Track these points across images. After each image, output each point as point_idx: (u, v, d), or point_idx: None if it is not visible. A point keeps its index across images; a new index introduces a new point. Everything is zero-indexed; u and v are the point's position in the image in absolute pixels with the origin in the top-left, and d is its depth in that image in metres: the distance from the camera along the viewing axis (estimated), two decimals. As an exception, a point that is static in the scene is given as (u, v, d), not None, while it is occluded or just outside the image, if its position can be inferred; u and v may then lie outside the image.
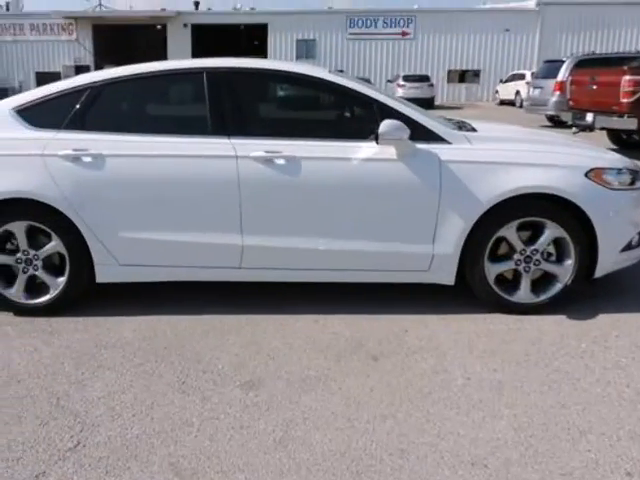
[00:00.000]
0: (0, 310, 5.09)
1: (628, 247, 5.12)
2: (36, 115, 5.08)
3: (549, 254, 5.08)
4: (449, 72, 43.12)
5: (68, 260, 4.98)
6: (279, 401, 3.87)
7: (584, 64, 19.44)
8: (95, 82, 5.22)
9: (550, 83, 21.13)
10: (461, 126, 5.60)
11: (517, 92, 34.77)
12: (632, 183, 5.00)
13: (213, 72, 5.17)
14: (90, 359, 4.35)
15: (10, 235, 5.00)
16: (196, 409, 3.80)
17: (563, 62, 21.06)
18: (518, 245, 5.00)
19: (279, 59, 38.89)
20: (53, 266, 5.10)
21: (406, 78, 36.02)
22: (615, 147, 14.29)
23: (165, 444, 3.44)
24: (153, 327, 4.85)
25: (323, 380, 4.12)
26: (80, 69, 40.21)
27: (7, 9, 45.61)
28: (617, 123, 13.25)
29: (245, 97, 5.22)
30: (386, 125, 4.76)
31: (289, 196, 4.94)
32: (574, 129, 15.12)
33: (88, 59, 42.46)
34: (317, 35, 42.21)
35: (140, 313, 5.09)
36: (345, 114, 5.80)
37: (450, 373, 4.20)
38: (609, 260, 5.06)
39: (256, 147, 4.93)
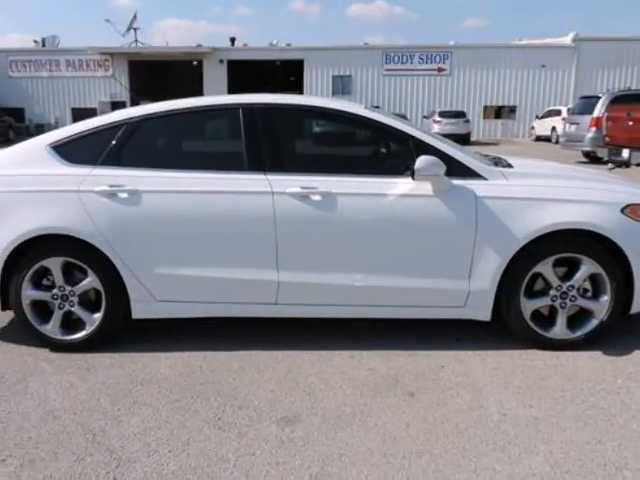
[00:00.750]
0: (36, 346, 5.11)
1: (664, 284, 5.04)
2: (72, 151, 5.12)
3: (585, 290, 5.07)
4: (485, 108, 43.07)
5: (104, 296, 4.99)
6: (315, 437, 3.87)
7: (620, 100, 19.39)
8: (131, 118, 5.29)
9: (586, 119, 21.07)
10: (497, 162, 5.63)
11: (553, 128, 34.67)
12: (669, 220, 4.90)
13: (249, 108, 5.22)
14: (126, 395, 4.35)
15: (46, 271, 5.02)
16: (232, 445, 3.80)
17: (599, 98, 21.03)
18: (554, 281, 4.99)
19: (315, 95, 39.11)
20: (89, 302, 5.10)
21: (442, 114, 36.02)
22: (652, 183, 14.05)
23: (201, 480, 3.41)
24: (189, 363, 4.86)
25: (359, 416, 4.12)
26: (116, 105, 40.26)
27: (43, 45, 46.04)
28: (653, 159, 13.17)
29: (281, 133, 5.19)
30: (422, 161, 4.78)
31: (325, 232, 4.96)
32: (610, 165, 15.05)
33: (124, 95, 42.84)
34: (353, 71, 42.43)
35: (176, 349, 5.11)
36: (381, 150, 5.81)
37: (486, 409, 4.19)
38: (645, 296, 4.99)
39: (292, 183, 4.96)
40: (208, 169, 5.10)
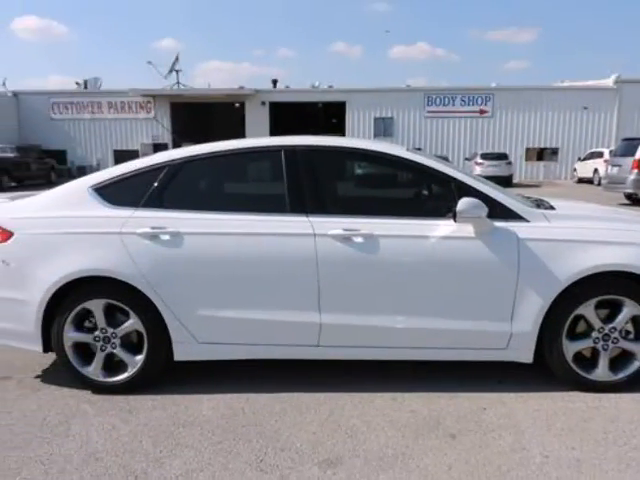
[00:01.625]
0: (78, 388, 5.12)
1: None
2: (114, 193, 5.17)
3: (627, 332, 5.06)
4: (527, 150, 42.92)
5: (146, 338, 5.01)
6: (357, 479, 3.89)
7: (662, 143, 19.28)
8: (173, 160, 5.36)
9: (628, 161, 20.96)
10: (539, 204, 5.65)
11: (595, 170, 34.43)
12: None
13: (291, 150, 5.27)
14: (168, 437, 4.37)
15: (88, 313, 5.05)
16: (274, 487, 3.80)
17: (641, 140, 20.88)
18: (596, 323, 4.99)
19: (357, 137, 39.32)
20: (131, 344, 5.12)
21: (484, 156, 35.93)
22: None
23: (243, 522, 3.41)
24: (231, 405, 4.86)
25: (401, 458, 4.13)
26: (158, 147, 40.48)
27: (85, 87, 46.39)
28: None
29: (323, 175, 5.24)
30: (464, 203, 4.83)
31: (367, 274, 4.98)
32: (652, 207, 14.92)
33: (166, 137, 43.18)
34: (395, 113, 42.59)
35: (218, 390, 5.11)
36: (423, 192, 5.84)
37: (528, 451, 4.19)
38: (688, 339, 4.95)
39: (334, 225, 5.00)
40: (250, 211, 5.15)
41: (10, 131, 42.81)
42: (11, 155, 33.49)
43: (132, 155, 42.01)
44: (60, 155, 43.74)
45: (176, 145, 42.43)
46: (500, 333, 4.99)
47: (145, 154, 43.19)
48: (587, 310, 4.97)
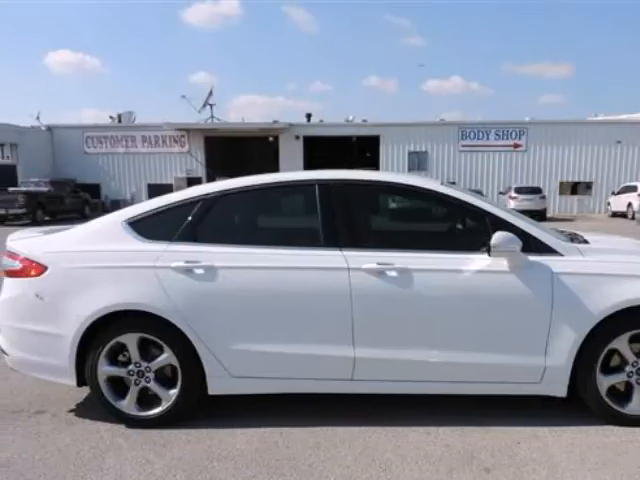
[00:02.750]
0: (112, 422, 5.12)
1: None
2: (148, 227, 5.19)
3: (662, 367, 5.01)
4: (561, 184, 42.67)
5: (180, 372, 5.01)
6: (392, 513, 3.82)
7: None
8: (207, 194, 5.40)
9: (662, 195, 20.79)
10: (573, 238, 5.68)
11: (629, 204, 34.17)
12: None
13: (325, 184, 5.30)
14: (202, 471, 4.36)
15: (122, 347, 5.07)
16: (309, 522, 3.78)
17: (675, 174, 20.76)
18: (630, 357, 5.00)
19: (391, 171, 39.35)
20: (165, 378, 5.12)
21: (518, 190, 35.77)
22: None
23: None
24: (264, 438, 4.85)
25: (435, 492, 4.08)
26: (192, 181, 40.41)
27: (119, 121, 46.48)
28: None
29: (357, 209, 5.23)
30: (498, 237, 4.86)
31: (401, 308, 5.00)
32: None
33: (200, 171, 43.23)
34: (429, 147, 42.59)
35: (251, 424, 5.09)
36: (457, 226, 5.89)
37: (562, 484, 4.13)
38: None
39: (368, 259, 5.03)
40: (284, 245, 5.19)
41: (44, 165, 43.30)
42: (45, 189, 33.85)
43: (166, 189, 42.46)
44: (94, 189, 44.03)
45: (210, 179, 42.64)
46: (534, 367, 4.99)
47: (179, 188, 43.18)
48: (621, 344, 4.98)
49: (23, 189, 33.57)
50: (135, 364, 5.05)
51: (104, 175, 45.37)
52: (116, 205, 42.22)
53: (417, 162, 42.69)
